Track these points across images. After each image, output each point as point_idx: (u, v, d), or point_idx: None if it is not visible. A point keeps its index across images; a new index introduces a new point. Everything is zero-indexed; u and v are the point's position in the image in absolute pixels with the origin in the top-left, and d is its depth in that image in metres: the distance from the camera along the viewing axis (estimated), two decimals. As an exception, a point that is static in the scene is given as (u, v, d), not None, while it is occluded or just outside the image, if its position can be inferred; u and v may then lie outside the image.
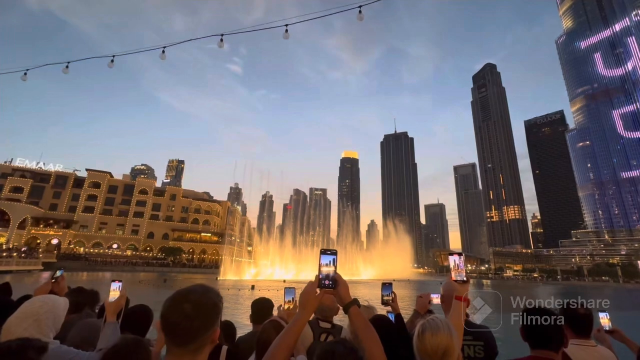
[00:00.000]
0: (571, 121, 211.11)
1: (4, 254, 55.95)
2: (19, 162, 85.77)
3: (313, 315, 2.75)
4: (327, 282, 1.54)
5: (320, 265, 1.57)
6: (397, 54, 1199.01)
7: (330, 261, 1.58)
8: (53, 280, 2.70)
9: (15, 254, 59.15)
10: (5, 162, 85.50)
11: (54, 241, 78.15)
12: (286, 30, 4.93)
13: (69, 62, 5.73)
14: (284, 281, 50.00)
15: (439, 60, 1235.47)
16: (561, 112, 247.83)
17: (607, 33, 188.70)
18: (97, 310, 3.11)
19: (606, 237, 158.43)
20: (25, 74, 6.31)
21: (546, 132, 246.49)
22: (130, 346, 1.55)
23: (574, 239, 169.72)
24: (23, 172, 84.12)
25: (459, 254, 1.88)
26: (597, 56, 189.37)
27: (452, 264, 1.85)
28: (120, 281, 2.40)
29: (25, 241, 73.93)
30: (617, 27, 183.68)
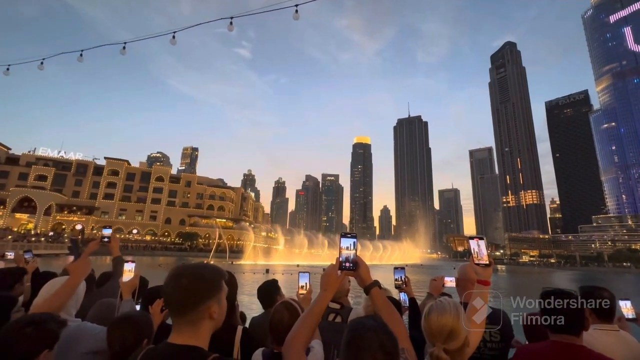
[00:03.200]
0: (596, 101, 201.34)
1: (33, 239, 59.11)
2: (41, 152, 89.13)
3: None
4: (347, 264, 1.59)
5: (340, 248, 1.61)
6: (411, 33, 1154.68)
7: (350, 244, 1.62)
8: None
9: (42, 238, 62.40)
10: (29, 152, 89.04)
11: (78, 227, 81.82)
12: (296, 11, 4.80)
13: (82, 51, 5.79)
14: (298, 265, 50.99)
15: (455, 38, 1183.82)
16: (585, 92, 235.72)
17: (638, 5, 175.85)
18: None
19: (629, 222, 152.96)
20: (41, 63, 6.45)
21: (568, 114, 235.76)
22: (135, 316, 1.80)
23: (594, 224, 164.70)
24: (46, 161, 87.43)
25: (480, 238, 1.82)
26: (627, 31, 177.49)
27: (473, 248, 1.78)
28: (133, 262, 2.52)
29: (51, 227, 77.68)
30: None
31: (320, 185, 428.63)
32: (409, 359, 1.37)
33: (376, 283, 1.63)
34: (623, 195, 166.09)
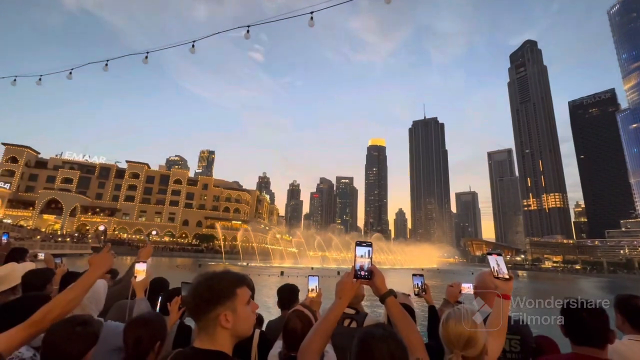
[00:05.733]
0: (623, 101, 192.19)
1: (59, 239, 61.81)
2: (67, 156, 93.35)
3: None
4: (362, 272, 1.60)
5: (355, 257, 1.62)
6: (426, 32, 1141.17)
7: (365, 252, 1.63)
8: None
9: (68, 239, 65.13)
10: (56, 156, 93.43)
11: (101, 227, 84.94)
12: (311, 18, 4.86)
13: (108, 60, 6.11)
14: (312, 268, 50.99)
15: (471, 37, 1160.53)
16: (612, 91, 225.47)
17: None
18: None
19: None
20: (70, 73, 6.82)
21: (594, 114, 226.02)
22: (150, 318, 1.85)
23: (623, 229, 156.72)
24: (72, 165, 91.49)
25: (498, 254, 1.80)
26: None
27: (492, 265, 1.75)
28: (144, 262, 2.63)
29: (76, 227, 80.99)
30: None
31: (335, 188, 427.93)
32: None
33: (391, 292, 1.62)
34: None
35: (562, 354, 1.82)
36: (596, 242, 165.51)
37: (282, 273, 38.76)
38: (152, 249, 2.92)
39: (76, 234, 74.16)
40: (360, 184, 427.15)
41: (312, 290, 2.73)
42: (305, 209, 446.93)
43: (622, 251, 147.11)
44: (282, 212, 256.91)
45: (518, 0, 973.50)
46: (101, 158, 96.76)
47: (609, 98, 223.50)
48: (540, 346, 2.13)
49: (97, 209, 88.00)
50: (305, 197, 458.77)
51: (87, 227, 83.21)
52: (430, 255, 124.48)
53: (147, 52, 5.79)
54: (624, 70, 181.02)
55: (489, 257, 1.80)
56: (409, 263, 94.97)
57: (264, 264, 64.43)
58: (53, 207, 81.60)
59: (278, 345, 2.09)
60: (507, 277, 1.72)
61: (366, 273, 1.60)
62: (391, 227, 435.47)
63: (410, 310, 2.60)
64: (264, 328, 3.24)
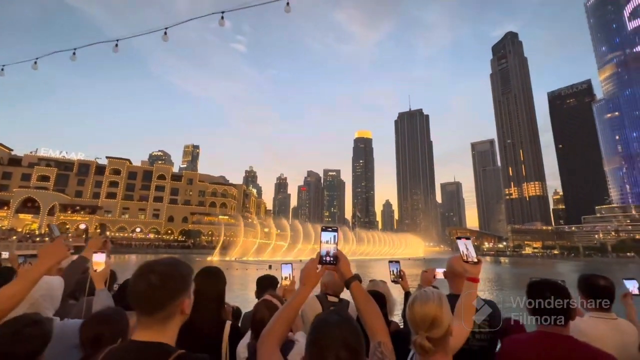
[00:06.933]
0: (599, 91, 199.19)
1: (37, 239, 59.63)
2: (43, 152, 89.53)
3: (322, 289, 2.83)
4: (328, 258, 1.58)
5: (321, 242, 1.61)
6: (411, 23, 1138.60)
7: (331, 238, 1.61)
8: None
9: (47, 238, 62.89)
10: (31, 152, 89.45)
11: (82, 226, 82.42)
12: (287, 4, 4.72)
13: (75, 49, 5.76)
14: (300, 261, 51.23)
15: (455, 28, 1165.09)
16: (588, 82, 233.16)
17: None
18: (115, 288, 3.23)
19: (633, 212, 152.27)
20: (35, 62, 6.42)
21: (571, 104, 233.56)
22: (110, 314, 1.73)
23: (598, 214, 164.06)
24: (48, 162, 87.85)
25: (467, 238, 1.84)
26: (631, 20, 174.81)
27: (461, 249, 1.81)
28: (103, 252, 2.50)
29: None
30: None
31: (322, 181, 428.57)
32: (385, 352, 1.35)
33: (356, 277, 1.61)
34: (627, 185, 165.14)
35: (528, 332, 1.91)
36: (573, 228, 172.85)
37: (270, 267, 38.68)
38: (107, 241, 2.66)
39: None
40: (347, 177, 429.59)
41: (286, 278, 2.74)
42: (293, 202, 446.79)
43: (596, 236, 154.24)
44: (269, 206, 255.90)
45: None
46: (80, 154, 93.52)
47: (585, 89, 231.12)
48: (507, 327, 2.19)
49: (77, 207, 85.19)
50: (292, 191, 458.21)
51: (67, 226, 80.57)
52: (417, 245, 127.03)
53: (117, 40, 5.50)
54: (600, 62, 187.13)
55: (458, 241, 1.84)
56: (396, 254, 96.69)
57: (253, 257, 64.27)
58: (29, 206, 78.48)
59: (248, 336, 2.08)
60: (475, 260, 1.77)
61: (332, 259, 1.58)
62: (378, 218, 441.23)
63: (381, 296, 2.60)
64: (242, 320, 3.23)
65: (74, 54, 5.87)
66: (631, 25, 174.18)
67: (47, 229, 74.32)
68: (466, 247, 1.80)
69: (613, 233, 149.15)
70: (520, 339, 1.86)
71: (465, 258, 1.78)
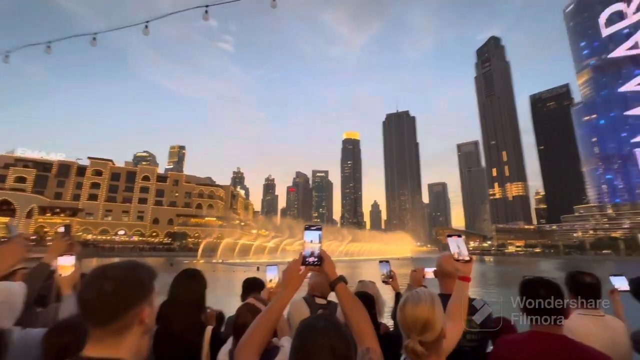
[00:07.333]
0: (577, 95, 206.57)
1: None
2: (20, 152, 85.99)
3: (309, 291, 2.74)
4: (312, 259, 1.48)
5: (304, 242, 1.50)
6: (397, 26, 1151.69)
7: (315, 237, 1.51)
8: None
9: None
10: (7, 153, 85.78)
11: (61, 229, 79.43)
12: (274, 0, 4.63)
13: (50, 42, 5.47)
14: (288, 262, 50.83)
15: (441, 31, 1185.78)
16: (567, 86, 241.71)
17: (617, 2, 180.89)
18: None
19: (609, 211, 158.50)
20: (7, 56, 6.09)
21: (551, 107, 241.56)
22: (76, 320, 1.50)
23: (576, 214, 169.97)
24: (26, 162, 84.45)
25: (459, 235, 1.78)
26: (606, 26, 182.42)
27: (453, 247, 1.75)
28: (71, 254, 2.27)
29: (34, 230, 75.27)
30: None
31: (311, 182, 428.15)
32: (374, 358, 1.28)
33: (341, 278, 1.52)
34: (603, 185, 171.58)
35: (521, 332, 1.84)
36: (553, 227, 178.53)
37: (258, 268, 38.30)
38: (74, 243, 2.38)
39: (33, 237, 68.92)
40: (335, 177, 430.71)
41: (271, 280, 2.58)
42: (282, 203, 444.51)
43: (575, 234, 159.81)
44: (257, 208, 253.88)
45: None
46: (60, 155, 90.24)
47: (564, 92, 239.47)
48: (498, 327, 2.11)
49: (57, 210, 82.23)
50: (281, 192, 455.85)
51: (46, 229, 77.62)
52: (405, 245, 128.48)
53: (96, 34, 5.26)
54: (578, 66, 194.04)
55: (450, 239, 1.78)
56: (385, 253, 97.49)
57: (241, 259, 63.46)
58: (5, 208, 75.14)
59: (230, 343, 1.94)
60: (467, 259, 1.71)
61: (315, 259, 1.48)
62: (367, 219, 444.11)
63: (369, 298, 2.50)
64: (225, 324, 3.09)
65: (48, 47, 5.59)
66: (606, 32, 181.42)
67: (24, 233, 71.33)
68: (457, 245, 1.74)
69: (591, 231, 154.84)
70: (514, 340, 1.80)
71: (456, 256, 1.72)
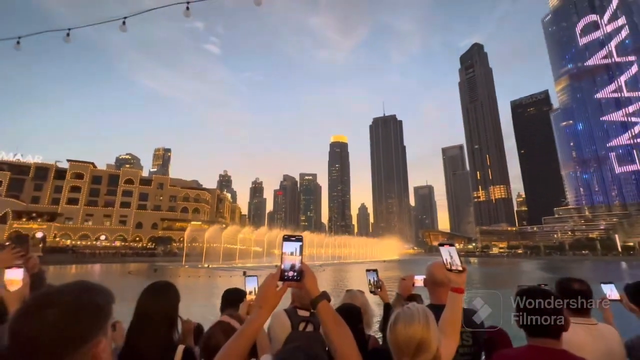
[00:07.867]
0: (555, 101, 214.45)
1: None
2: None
3: (291, 302, 2.48)
4: (291, 273, 1.29)
5: (283, 254, 1.31)
6: (385, 31, 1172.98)
7: (295, 249, 1.32)
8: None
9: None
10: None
11: (39, 235, 76.27)
12: (258, -3, 4.54)
13: (20, 37, 5.17)
14: (276, 266, 50.32)
15: (426, 37, 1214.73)
16: (546, 92, 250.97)
17: (592, 13, 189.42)
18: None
19: (587, 213, 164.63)
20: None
21: (531, 112, 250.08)
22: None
23: (556, 215, 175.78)
24: (0, 165, 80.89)
25: (451, 244, 1.65)
26: (582, 36, 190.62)
27: (445, 257, 1.63)
28: (19, 267, 1.95)
29: (8, 236, 71.90)
30: (600, 6, 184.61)
31: (298, 185, 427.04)
32: None
33: (324, 295, 1.32)
34: (581, 188, 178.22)
35: (517, 347, 1.71)
36: (534, 229, 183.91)
37: (244, 273, 37.67)
38: (31, 256, 2.11)
39: (7, 243, 65.77)
40: (323, 181, 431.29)
41: (250, 292, 2.36)
42: (269, 206, 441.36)
43: (555, 235, 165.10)
44: (244, 211, 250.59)
45: (466, 6, 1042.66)
46: (37, 157, 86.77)
47: (543, 98, 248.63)
48: (491, 339, 1.99)
49: (34, 214, 78.86)
50: (268, 195, 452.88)
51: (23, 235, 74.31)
52: (392, 248, 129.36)
53: (69, 29, 5.02)
54: (556, 74, 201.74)
55: (441, 248, 1.67)
56: (372, 256, 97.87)
57: (227, 264, 62.36)
58: (-23, 213, 71.68)
59: None
60: (460, 269, 1.59)
61: (295, 274, 1.29)
62: (354, 221, 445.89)
63: (356, 312, 2.30)
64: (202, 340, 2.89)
65: (18, 42, 5.29)
66: (582, 41, 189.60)
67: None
68: (450, 255, 1.62)
69: (570, 233, 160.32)
70: (510, 355, 1.68)
71: (449, 266, 1.61)
